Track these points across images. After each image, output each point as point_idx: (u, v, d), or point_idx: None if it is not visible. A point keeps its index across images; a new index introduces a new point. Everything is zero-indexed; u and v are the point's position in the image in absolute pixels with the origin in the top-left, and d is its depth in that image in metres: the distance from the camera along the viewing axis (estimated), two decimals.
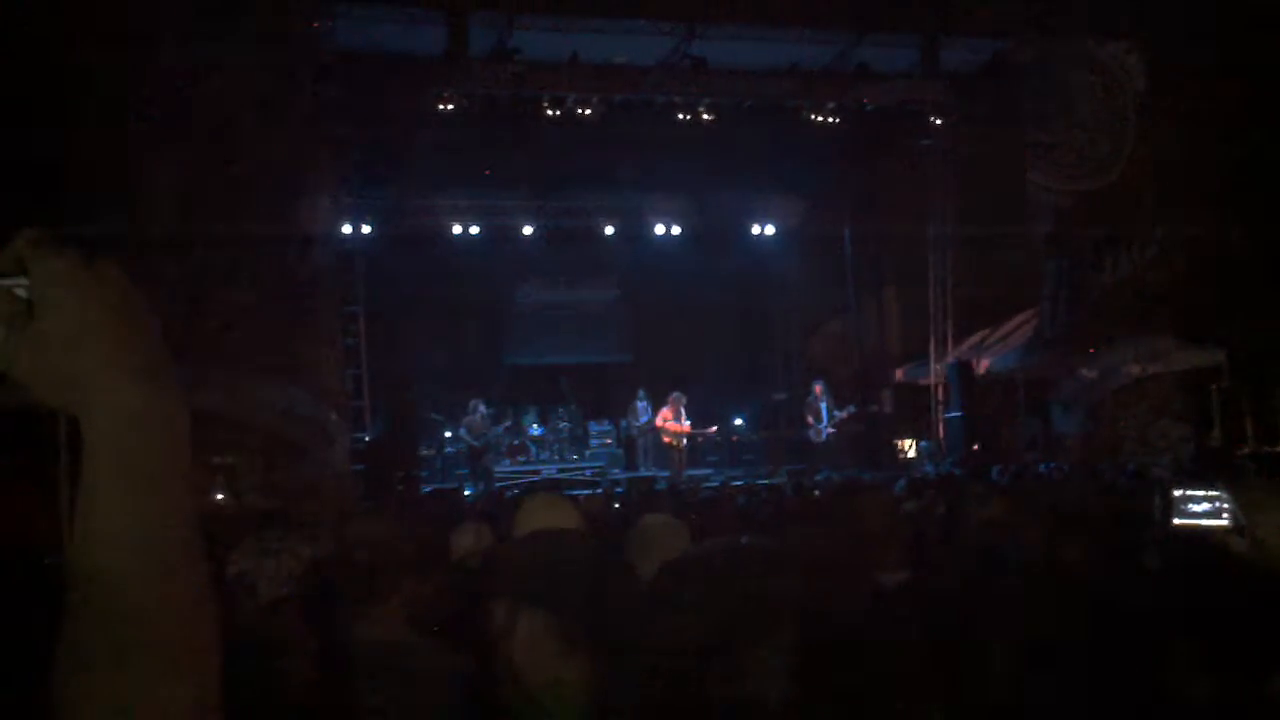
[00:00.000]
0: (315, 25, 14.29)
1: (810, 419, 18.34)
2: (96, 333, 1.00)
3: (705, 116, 16.91)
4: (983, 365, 17.73)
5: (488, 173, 18.79)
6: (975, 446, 16.44)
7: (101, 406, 1.00)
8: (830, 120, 17.50)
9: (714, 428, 19.32)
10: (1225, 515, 3.12)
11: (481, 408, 17.61)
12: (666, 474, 17.13)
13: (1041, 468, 13.12)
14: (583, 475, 17.71)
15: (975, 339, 18.41)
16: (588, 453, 19.27)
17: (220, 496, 11.19)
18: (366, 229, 18.44)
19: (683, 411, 17.90)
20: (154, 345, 1.04)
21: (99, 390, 1.00)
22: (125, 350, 1.01)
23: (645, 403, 18.60)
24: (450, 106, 15.81)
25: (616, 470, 18.44)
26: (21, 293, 1.01)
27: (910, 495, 7.99)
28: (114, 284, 1.03)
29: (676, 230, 21.56)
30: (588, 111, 16.46)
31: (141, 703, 0.96)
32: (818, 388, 18.50)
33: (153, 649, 0.97)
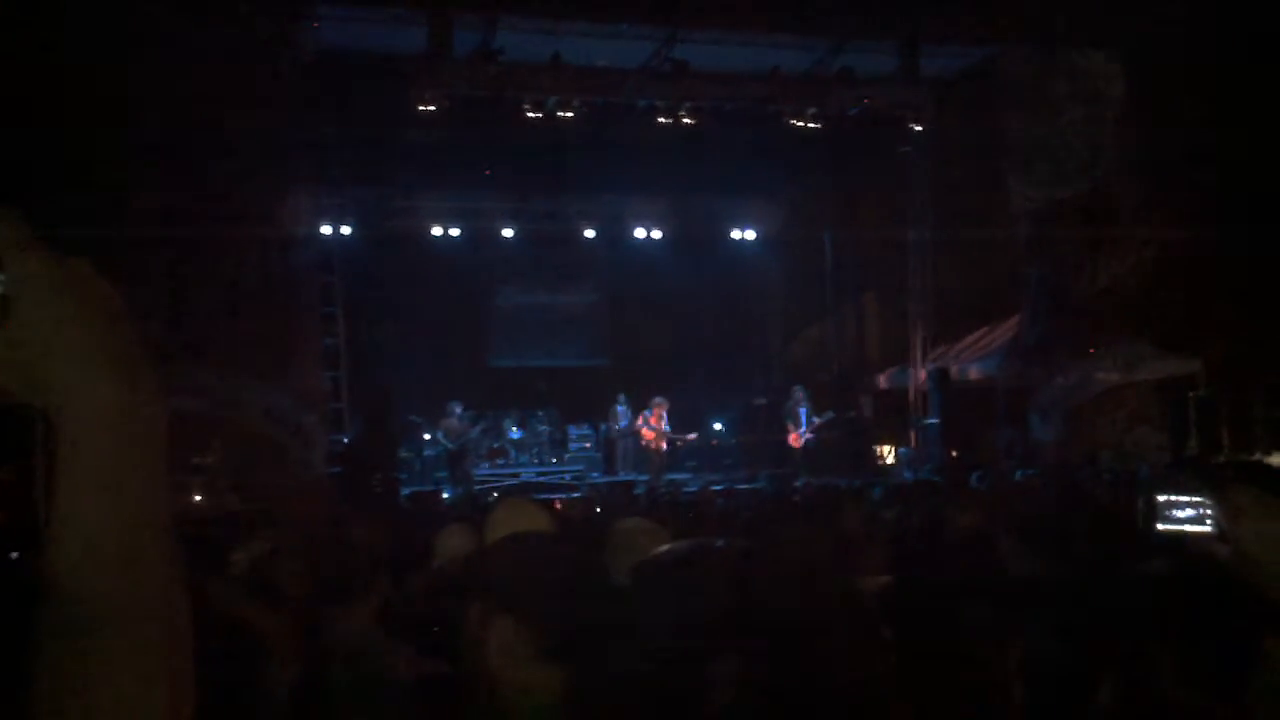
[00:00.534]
0: (297, 24, 14.25)
1: (790, 424, 18.39)
2: (72, 331, 1.00)
3: (686, 120, 16.92)
4: (961, 372, 17.79)
5: (487, 172, 18.73)
6: (953, 453, 16.49)
7: (77, 405, 0.99)
8: (811, 125, 17.52)
9: (694, 434, 19.33)
10: (1209, 522, 3.13)
11: (458, 410, 17.59)
12: (645, 478, 17.12)
13: (1017, 474, 13.15)
14: (562, 479, 17.71)
15: (954, 346, 18.47)
16: (567, 456, 19.28)
17: (197, 497, 11.13)
18: (346, 229, 18.39)
19: (665, 417, 17.92)
20: (130, 344, 1.04)
21: (74, 389, 0.99)
22: (101, 349, 1.01)
23: (624, 406, 18.62)
24: (432, 107, 15.76)
25: (595, 474, 18.46)
26: None
27: (888, 502, 8.01)
28: (90, 283, 1.03)
29: (657, 234, 21.61)
30: (569, 114, 16.43)
31: (115, 703, 0.95)
32: (798, 393, 18.54)
33: (127, 649, 0.96)
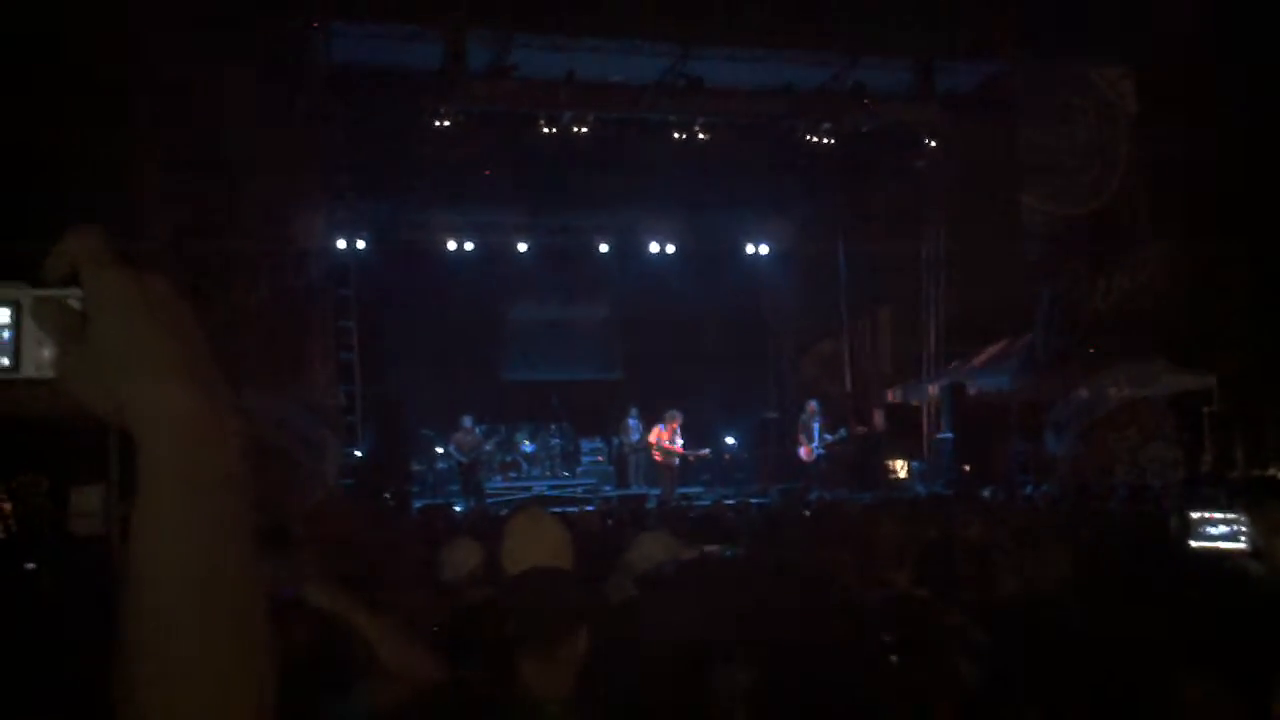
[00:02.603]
0: (313, 40, 14.32)
1: (803, 438, 18.37)
2: (148, 345, 1.02)
3: (700, 136, 16.96)
4: (974, 387, 17.76)
5: (488, 174, 18.76)
6: (966, 468, 16.46)
7: (155, 418, 1.01)
8: (825, 141, 17.55)
9: (706, 450, 19.31)
10: (1243, 539, 3.12)
11: (470, 423, 17.61)
12: (657, 492, 17.11)
13: (1028, 489, 13.14)
14: (574, 492, 17.70)
15: (967, 360, 18.45)
16: (579, 470, 19.30)
17: None
18: (361, 243, 18.45)
19: (678, 431, 17.89)
20: (204, 358, 1.05)
21: (152, 402, 1.01)
22: (177, 362, 1.02)
23: (637, 420, 18.61)
24: (446, 122, 15.82)
25: (608, 487, 18.43)
26: (74, 304, 1.03)
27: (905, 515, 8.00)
28: (165, 298, 1.05)
29: (670, 249, 21.63)
30: (583, 129, 16.48)
31: (196, 710, 0.97)
32: (811, 407, 18.53)
33: (208, 659, 0.97)
